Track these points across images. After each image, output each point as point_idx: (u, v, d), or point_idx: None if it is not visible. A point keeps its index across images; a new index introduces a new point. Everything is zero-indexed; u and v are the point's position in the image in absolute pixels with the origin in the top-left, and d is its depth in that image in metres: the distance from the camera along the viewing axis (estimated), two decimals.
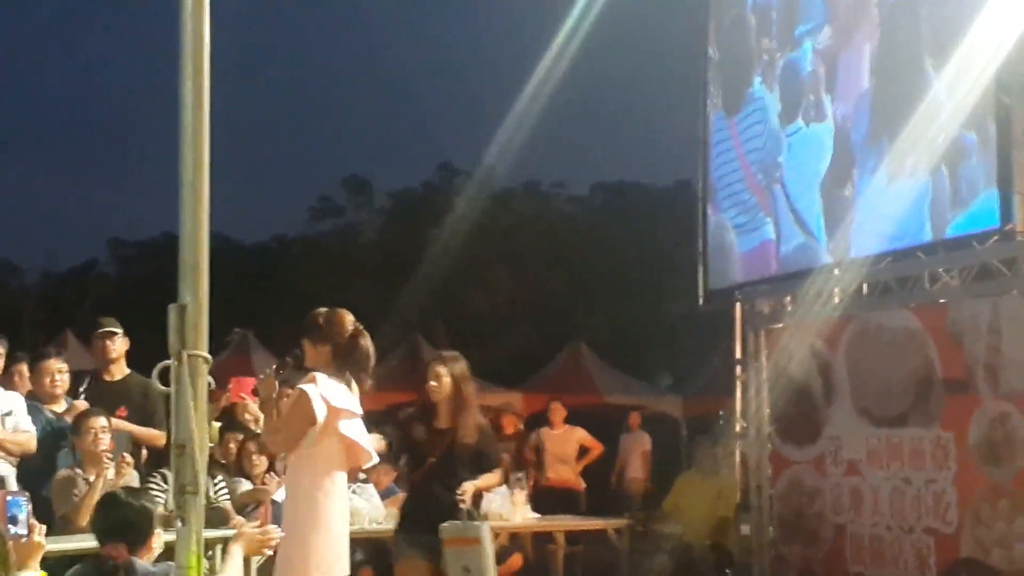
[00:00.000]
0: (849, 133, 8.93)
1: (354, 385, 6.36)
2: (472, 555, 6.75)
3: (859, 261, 8.78)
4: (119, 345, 8.19)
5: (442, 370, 7.11)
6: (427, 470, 7.06)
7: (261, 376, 6.38)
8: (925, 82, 8.11)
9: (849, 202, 8.89)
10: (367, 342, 6.30)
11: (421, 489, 7.11)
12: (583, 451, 13.37)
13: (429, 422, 7.13)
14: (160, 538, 4.77)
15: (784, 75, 9.62)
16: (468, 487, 6.93)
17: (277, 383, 6.27)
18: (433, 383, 7.10)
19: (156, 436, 7.95)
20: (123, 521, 4.73)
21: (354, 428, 6.23)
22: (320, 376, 6.11)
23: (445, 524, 6.78)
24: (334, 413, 6.07)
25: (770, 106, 9.73)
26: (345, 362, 6.21)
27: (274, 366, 6.29)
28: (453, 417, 7.06)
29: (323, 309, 6.35)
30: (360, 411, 6.36)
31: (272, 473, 8.49)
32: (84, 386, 8.12)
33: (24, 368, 8.08)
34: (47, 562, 5.24)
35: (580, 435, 13.37)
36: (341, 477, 6.24)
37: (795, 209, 9.40)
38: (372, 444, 6.42)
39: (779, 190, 9.55)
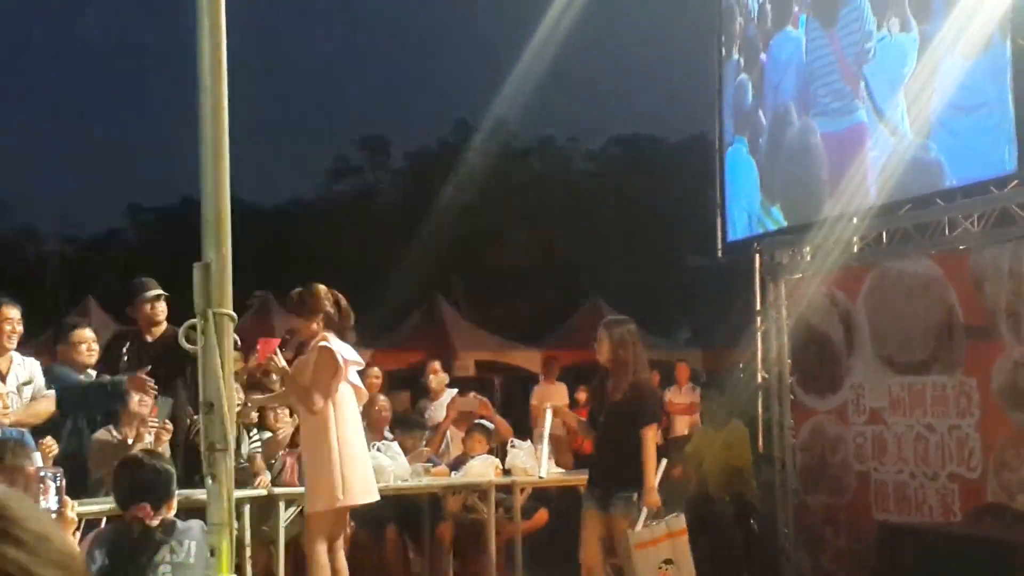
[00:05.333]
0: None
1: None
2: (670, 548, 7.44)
3: (877, 209, 8.74)
4: (164, 307, 8.25)
5: (602, 334, 7.65)
6: (599, 430, 7.69)
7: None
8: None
9: None
10: (345, 303, 7.40)
11: (595, 447, 7.86)
12: None
13: (602, 386, 7.73)
14: (175, 499, 4.86)
15: None
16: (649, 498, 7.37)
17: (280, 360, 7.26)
18: (596, 347, 7.68)
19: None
20: (146, 482, 4.80)
21: (355, 376, 7.47)
22: (330, 335, 7.22)
23: (629, 531, 7.35)
24: (345, 364, 7.23)
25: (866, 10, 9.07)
26: (334, 325, 7.28)
27: (278, 347, 7.28)
28: (612, 378, 7.57)
29: (298, 289, 7.39)
30: (362, 361, 7.71)
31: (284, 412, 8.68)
32: (126, 347, 8.14)
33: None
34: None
35: None
36: (358, 415, 7.45)
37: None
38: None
39: (864, 79, 9.00)
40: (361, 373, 11.08)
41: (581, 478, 10.94)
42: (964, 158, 7.95)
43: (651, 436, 7.43)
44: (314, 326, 7.24)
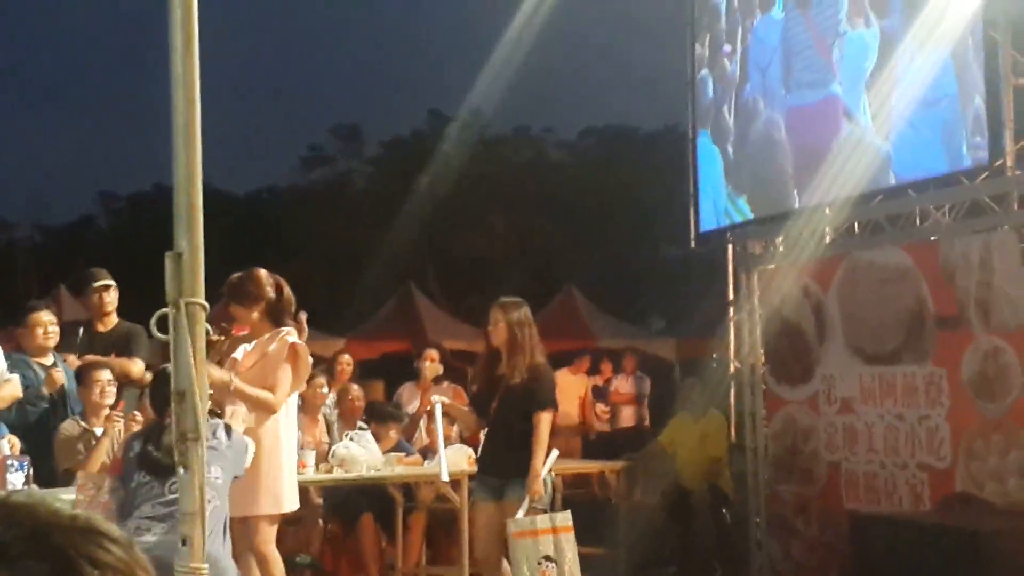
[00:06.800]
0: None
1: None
2: (552, 545, 7.04)
3: (849, 200, 8.79)
4: (113, 297, 8.24)
5: (498, 315, 7.28)
6: (492, 415, 7.30)
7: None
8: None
9: None
10: (288, 291, 6.82)
11: (488, 433, 7.45)
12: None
13: (493, 368, 7.34)
14: None
15: None
16: (533, 484, 7.04)
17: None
18: (490, 328, 7.30)
19: (127, 365, 7.96)
20: None
21: None
22: (292, 329, 6.72)
23: (513, 520, 7.00)
24: None
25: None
26: (277, 314, 6.74)
27: (214, 338, 6.54)
28: (508, 361, 7.21)
29: (237, 274, 6.82)
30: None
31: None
32: (79, 338, 8.15)
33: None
34: None
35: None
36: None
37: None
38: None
39: (838, 53, 9.07)
40: (332, 360, 11.08)
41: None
42: (924, 151, 8.01)
43: (545, 422, 7.09)
44: (254, 314, 6.71)
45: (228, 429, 6.02)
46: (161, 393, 5.60)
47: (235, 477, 6.01)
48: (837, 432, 8.81)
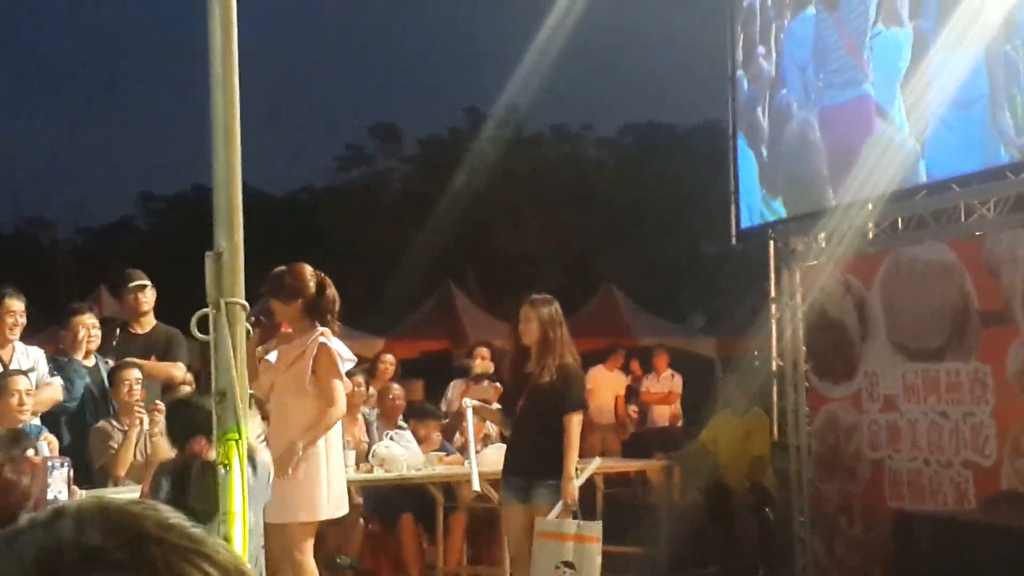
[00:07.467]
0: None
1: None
2: (573, 551, 6.92)
3: (891, 195, 8.70)
4: (150, 297, 8.28)
5: (530, 313, 7.18)
6: (518, 414, 7.21)
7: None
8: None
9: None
10: (332, 289, 6.68)
11: (513, 432, 7.38)
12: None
13: (521, 366, 7.25)
14: None
15: None
16: (569, 486, 6.96)
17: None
18: (520, 326, 7.21)
19: (170, 368, 8.01)
20: (199, 421, 4.91)
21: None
22: (327, 331, 6.60)
23: (541, 520, 6.94)
24: (341, 362, 6.65)
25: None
26: (316, 312, 6.61)
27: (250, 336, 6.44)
28: (538, 360, 7.12)
29: (281, 268, 6.68)
30: (354, 358, 7.04)
31: None
32: (116, 340, 8.21)
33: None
34: None
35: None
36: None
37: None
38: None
39: (869, 53, 8.96)
40: (375, 360, 11.08)
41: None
42: (960, 151, 7.93)
43: (575, 424, 7.01)
44: (293, 310, 6.61)
45: (252, 461, 5.76)
46: (179, 425, 5.36)
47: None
48: (880, 430, 8.73)
